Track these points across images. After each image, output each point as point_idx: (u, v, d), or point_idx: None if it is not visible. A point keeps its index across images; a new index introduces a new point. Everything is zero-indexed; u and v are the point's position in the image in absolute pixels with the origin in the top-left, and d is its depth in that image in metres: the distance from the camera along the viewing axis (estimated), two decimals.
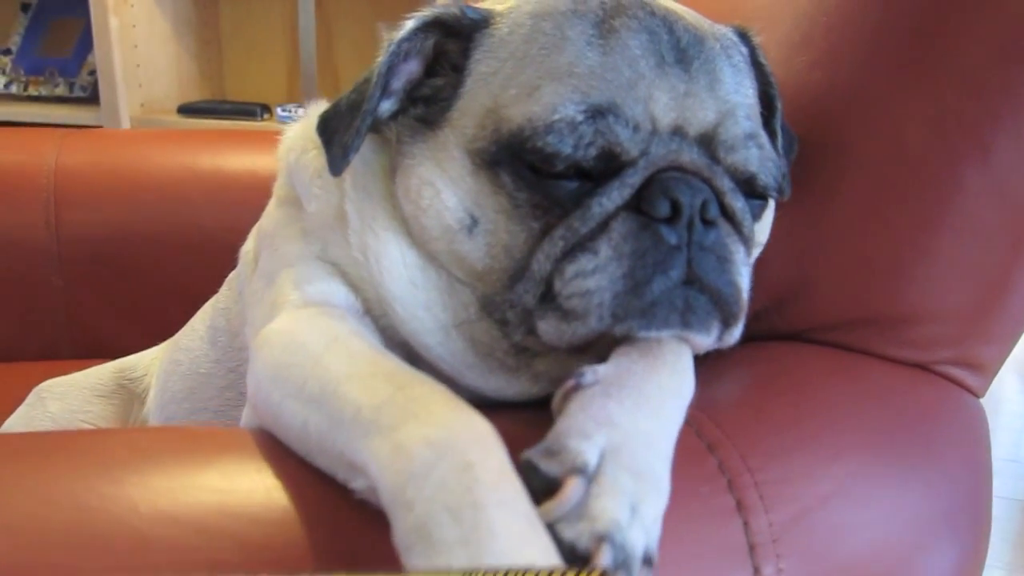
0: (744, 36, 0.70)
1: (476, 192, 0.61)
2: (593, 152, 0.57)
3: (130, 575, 0.44)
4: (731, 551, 0.55)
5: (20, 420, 1.06)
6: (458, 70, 0.64)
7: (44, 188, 1.54)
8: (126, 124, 2.53)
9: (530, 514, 0.43)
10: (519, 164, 0.59)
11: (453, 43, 0.64)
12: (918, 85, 0.72)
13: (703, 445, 0.60)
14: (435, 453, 0.43)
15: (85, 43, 2.68)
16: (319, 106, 0.72)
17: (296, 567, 0.46)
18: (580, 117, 0.57)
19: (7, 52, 2.82)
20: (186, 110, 2.57)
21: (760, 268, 0.78)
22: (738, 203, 0.61)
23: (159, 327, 1.20)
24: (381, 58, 0.62)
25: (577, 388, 0.52)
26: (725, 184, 0.60)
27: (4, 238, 1.52)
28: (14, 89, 2.77)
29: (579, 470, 0.45)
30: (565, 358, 0.61)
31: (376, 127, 0.65)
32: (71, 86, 2.74)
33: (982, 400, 0.79)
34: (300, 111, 2.58)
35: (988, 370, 0.78)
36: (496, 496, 0.42)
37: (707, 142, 0.61)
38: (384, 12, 2.57)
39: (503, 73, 0.62)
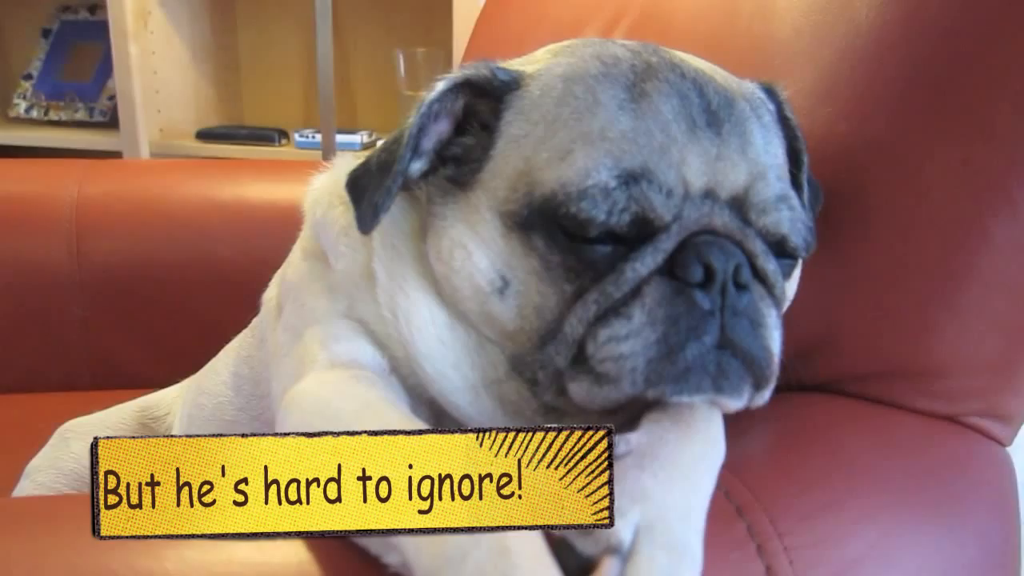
0: (771, 92, 0.70)
1: (508, 254, 0.61)
2: (627, 218, 0.58)
3: None
4: None
5: (45, 460, 1.06)
6: (488, 130, 0.64)
7: (67, 219, 1.55)
8: (145, 149, 2.55)
9: None
10: (552, 228, 0.59)
11: (483, 103, 0.65)
12: (944, 137, 0.72)
13: (732, 508, 0.60)
14: (472, 537, 0.44)
15: (105, 68, 2.71)
16: (346, 160, 0.72)
17: None
18: (613, 183, 0.57)
19: (28, 77, 2.85)
20: (204, 135, 2.59)
21: (786, 318, 0.78)
22: (770, 265, 0.61)
23: (180, 357, 1.21)
24: (411, 118, 0.63)
25: None
26: (757, 247, 0.60)
27: (27, 268, 1.54)
28: (35, 114, 2.80)
29: (614, 549, 0.45)
30: (595, 419, 0.61)
31: (406, 186, 0.66)
32: (91, 111, 2.77)
33: None
34: (317, 136, 2.59)
35: (1016, 419, 0.78)
36: (528, 565, 0.42)
37: (739, 204, 0.61)
38: (401, 38, 2.59)
39: (535, 136, 0.62)
